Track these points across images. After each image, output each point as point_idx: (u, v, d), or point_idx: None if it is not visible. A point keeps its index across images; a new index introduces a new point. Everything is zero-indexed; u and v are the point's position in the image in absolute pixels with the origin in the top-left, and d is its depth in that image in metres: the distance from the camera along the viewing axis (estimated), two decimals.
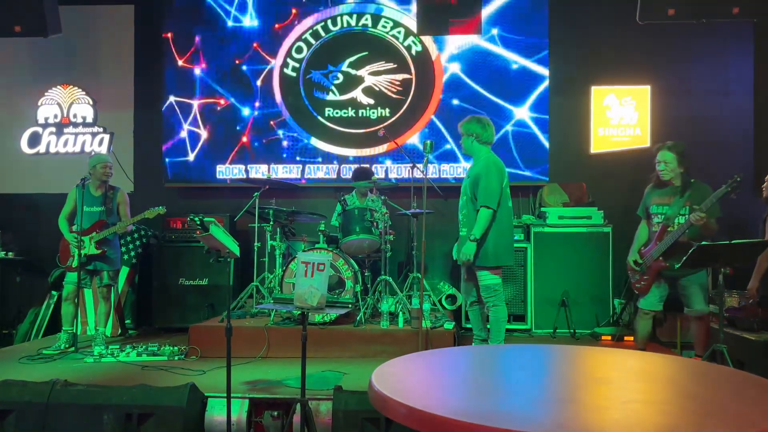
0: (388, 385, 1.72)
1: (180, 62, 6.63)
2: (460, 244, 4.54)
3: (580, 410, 1.65)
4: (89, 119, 6.89)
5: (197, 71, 6.64)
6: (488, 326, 4.48)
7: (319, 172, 6.58)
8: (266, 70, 6.61)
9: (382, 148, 6.52)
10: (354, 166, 6.33)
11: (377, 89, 6.53)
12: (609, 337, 5.41)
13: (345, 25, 6.58)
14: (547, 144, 6.35)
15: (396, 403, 1.59)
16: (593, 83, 6.45)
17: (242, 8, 6.62)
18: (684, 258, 3.70)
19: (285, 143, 6.61)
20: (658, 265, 4.05)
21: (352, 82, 6.55)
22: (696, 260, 3.70)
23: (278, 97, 6.62)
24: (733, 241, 3.63)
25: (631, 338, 5.36)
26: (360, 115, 6.55)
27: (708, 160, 4.17)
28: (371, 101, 6.53)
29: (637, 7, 5.01)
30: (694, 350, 4.29)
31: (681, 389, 1.94)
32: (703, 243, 3.65)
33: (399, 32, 6.53)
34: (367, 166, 6.34)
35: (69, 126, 6.90)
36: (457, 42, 6.46)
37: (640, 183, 6.16)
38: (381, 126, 6.37)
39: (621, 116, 6.43)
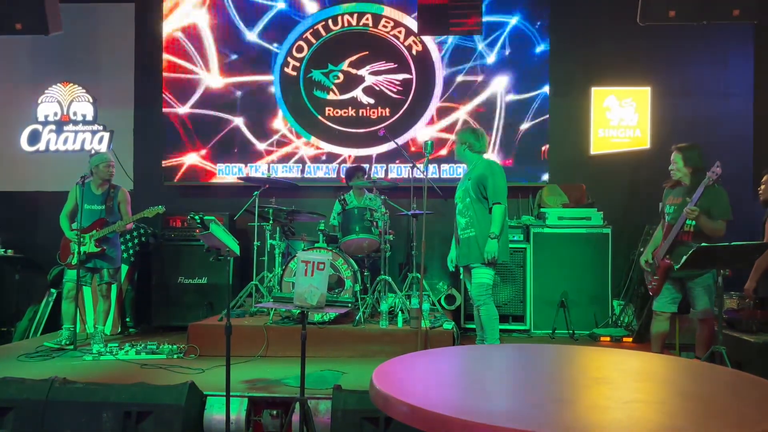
0: (389, 384, 1.72)
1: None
2: (462, 247, 4.54)
3: (581, 410, 1.65)
4: (89, 117, 6.89)
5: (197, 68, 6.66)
6: (482, 325, 4.49)
7: (319, 171, 6.58)
8: (267, 68, 6.63)
9: (382, 148, 6.53)
10: (350, 166, 6.35)
11: (378, 89, 6.54)
12: (608, 338, 5.42)
13: (346, 24, 6.58)
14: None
15: (397, 401, 1.59)
16: (594, 84, 6.47)
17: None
18: (683, 259, 3.70)
19: (285, 142, 6.60)
20: (666, 263, 4.05)
21: (352, 81, 6.56)
22: (695, 262, 3.70)
23: (278, 96, 6.62)
24: (732, 243, 3.63)
25: (630, 339, 5.38)
26: (360, 114, 6.55)
27: (707, 162, 4.17)
28: (371, 101, 6.54)
29: (638, 8, 5.01)
30: (693, 352, 4.29)
31: (681, 389, 1.94)
32: (703, 245, 3.65)
33: (400, 32, 6.53)
34: (360, 165, 6.32)
35: (69, 124, 6.89)
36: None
37: (639, 184, 6.22)
38: (381, 126, 6.39)
39: (621, 117, 6.44)
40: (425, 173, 4.66)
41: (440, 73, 6.49)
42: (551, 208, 5.98)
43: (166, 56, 6.65)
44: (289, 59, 6.62)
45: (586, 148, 6.48)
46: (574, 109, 6.50)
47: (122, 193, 5.36)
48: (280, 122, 6.62)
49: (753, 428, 1.47)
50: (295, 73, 6.61)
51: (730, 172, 3.77)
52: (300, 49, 6.61)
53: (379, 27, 6.55)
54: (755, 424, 1.50)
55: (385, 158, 6.54)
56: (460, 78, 6.47)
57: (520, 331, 5.79)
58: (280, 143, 6.61)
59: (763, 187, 4.68)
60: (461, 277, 5.38)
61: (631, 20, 5.21)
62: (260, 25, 6.62)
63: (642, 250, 4.46)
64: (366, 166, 6.34)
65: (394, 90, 6.53)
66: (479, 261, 4.37)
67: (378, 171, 6.49)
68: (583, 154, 6.49)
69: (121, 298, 5.95)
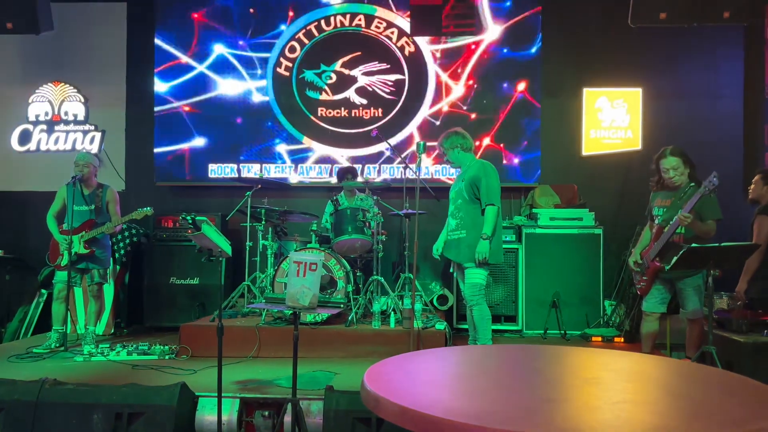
0: (381, 385, 1.73)
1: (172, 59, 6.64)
2: (452, 246, 4.55)
3: (571, 410, 1.66)
4: (80, 117, 6.86)
5: (190, 68, 6.65)
6: (475, 325, 4.51)
7: (312, 171, 6.57)
8: (259, 68, 6.62)
9: (374, 149, 6.53)
10: (342, 166, 6.36)
11: (370, 89, 6.54)
12: (599, 338, 5.44)
13: (338, 24, 6.58)
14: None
15: (388, 402, 1.59)
16: (585, 85, 6.48)
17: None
18: (674, 260, 3.72)
19: (277, 142, 6.60)
20: (655, 266, 4.07)
21: (345, 82, 6.56)
22: (685, 262, 3.72)
23: (271, 96, 6.61)
24: (722, 244, 3.66)
25: (621, 339, 5.40)
26: (353, 115, 6.55)
27: (698, 163, 4.19)
28: (364, 101, 6.54)
29: (629, 10, 5.04)
30: (684, 352, 4.31)
31: (671, 390, 1.95)
32: (693, 245, 3.67)
33: (392, 33, 6.54)
34: (352, 165, 6.34)
35: (60, 123, 6.86)
36: None
37: (631, 185, 6.25)
38: (374, 126, 6.39)
39: (612, 118, 6.47)
40: (417, 173, 4.68)
41: (432, 73, 6.50)
42: (543, 209, 5.99)
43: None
44: (281, 59, 6.61)
45: (577, 149, 6.50)
46: (565, 110, 6.52)
47: (110, 193, 5.32)
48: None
49: (742, 428, 1.48)
50: (287, 74, 6.60)
51: (720, 173, 3.79)
52: (293, 50, 6.60)
53: (372, 27, 6.56)
54: (744, 423, 1.52)
55: (377, 158, 6.55)
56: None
57: (513, 332, 5.80)
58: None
59: (752, 186, 4.73)
60: (453, 275, 5.40)
61: (622, 22, 5.24)
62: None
63: (632, 250, 4.49)
64: (357, 167, 6.35)
65: (387, 90, 6.53)
66: (470, 261, 4.38)
67: (370, 171, 6.49)
68: (575, 155, 6.51)
69: (115, 299, 5.92)
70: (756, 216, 4.63)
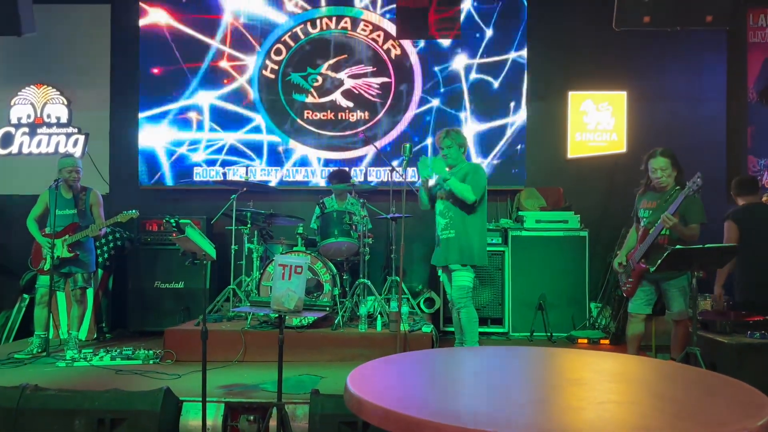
0: (364, 388, 1.72)
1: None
2: (441, 247, 4.55)
3: (555, 411, 1.66)
4: (63, 120, 6.78)
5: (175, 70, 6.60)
6: (462, 328, 4.50)
7: (298, 174, 6.55)
8: (244, 71, 6.59)
9: (361, 151, 6.52)
10: (331, 169, 6.34)
11: (356, 92, 6.53)
12: (585, 340, 5.46)
13: (324, 27, 6.57)
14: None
15: (371, 405, 1.58)
16: (570, 88, 6.52)
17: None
18: (658, 262, 3.74)
19: (263, 145, 6.57)
20: (641, 267, 4.09)
21: (331, 84, 6.55)
22: (669, 264, 3.74)
23: (256, 99, 6.58)
24: (705, 246, 3.68)
25: (607, 341, 5.43)
26: (339, 117, 6.54)
27: (682, 166, 4.22)
28: (350, 104, 6.53)
29: (614, 14, 5.07)
30: (669, 353, 4.34)
31: (654, 390, 1.95)
32: (677, 247, 3.70)
33: (378, 35, 6.54)
34: (345, 168, 6.34)
35: (42, 126, 6.77)
36: None
37: (616, 188, 6.29)
38: (360, 129, 6.39)
39: (598, 121, 6.51)
40: (404, 176, 4.67)
41: (419, 76, 6.51)
42: (529, 212, 6.01)
43: None
44: (267, 62, 6.58)
45: (563, 152, 6.54)
46: (551, 113, 6.55)
47: (93, 195, 5.26)
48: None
49: (725, 428, 1.48)
50: (273, 76, 6.58)
51: (702, 176, 3.82)
52: (278, 52, 6.58)
53: (358, 30, 6.55)
54: (727, 424, 1.52)
55: (363, 161, 6.54)
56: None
57: (499, 334, 5.81)
58: None
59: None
60: (440, 279, 5.39)
61: (607, 26, 5.27)
62: None
63: (618, 252, 4.51)
64: (348, 170, 6.33)
65: (373, 93, 6.53)
66: (457, 263, 4.38)
67: (357, 174, 6.48)
68: (561, 158, 6.54)
69: (97, 303, 5.86)
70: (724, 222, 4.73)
